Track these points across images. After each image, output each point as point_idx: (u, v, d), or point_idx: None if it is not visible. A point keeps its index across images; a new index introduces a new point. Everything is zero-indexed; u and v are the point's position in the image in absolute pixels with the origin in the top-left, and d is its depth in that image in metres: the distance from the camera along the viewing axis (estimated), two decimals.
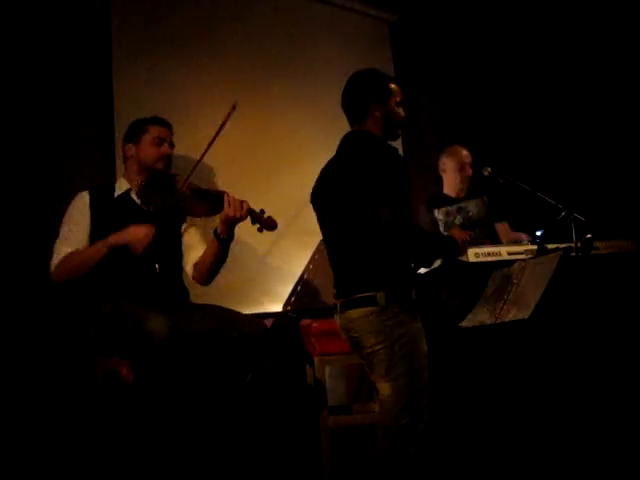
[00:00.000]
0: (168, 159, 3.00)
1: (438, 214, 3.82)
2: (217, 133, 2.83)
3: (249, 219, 2.81)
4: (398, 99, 2.64)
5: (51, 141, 3.37)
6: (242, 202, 2.78)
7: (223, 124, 2.83)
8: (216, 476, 2.82)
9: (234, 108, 2.84)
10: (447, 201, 3.86)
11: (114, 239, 2.73)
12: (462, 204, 3.85)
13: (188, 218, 3.03)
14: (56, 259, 2.77)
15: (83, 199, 2.89)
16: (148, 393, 2.50)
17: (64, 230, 2.84)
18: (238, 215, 2.76)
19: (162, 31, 3.78)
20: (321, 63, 4.33)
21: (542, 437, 3.02)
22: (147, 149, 2.96)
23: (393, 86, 2.64)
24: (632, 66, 4.18)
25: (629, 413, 3.07)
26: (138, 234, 2.72)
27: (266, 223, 2.84)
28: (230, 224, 2.80)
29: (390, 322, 2.39)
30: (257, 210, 2.83)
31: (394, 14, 4.76)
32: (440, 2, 4.72)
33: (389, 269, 2.43)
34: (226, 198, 2.77)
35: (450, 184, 3.91)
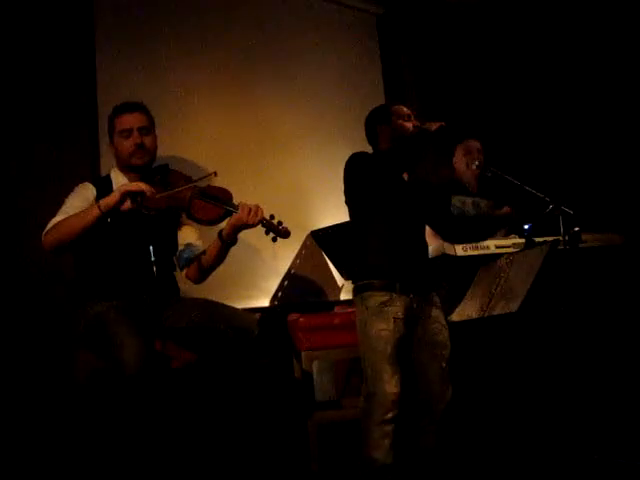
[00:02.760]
0: (141, 149, 2.82)
1: (455, 200, 3.81)
2: (189, 184, 2.77)
3: (262, 228, 2.73)
4: (403, 115, 2.92)
5: (33, 135, 3.32)
6: (258, 209, 2.70)
7: (199, 179, 2.80)
8: (203, 471, 2.81)
9: (215, 175, 2.78)
10: (463, 191, 3.85)
11: (106, 199, 2.58)
12: (476, 198, 3.85)
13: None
14: (49, 225, 2.64)
15: (90, 189, 2.78)
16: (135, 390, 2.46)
17: (66, 205, 2.71)
18: (251, 222, 2.70)
19: (147, 25, 3.77)
20: (308, 55, 4.33)
21: (531, 430, 3.03)
22: (119, 146, 2.82)
23: (395, 106, 2.97)
24: (619, 55, 4.18)
25: (618, 404, 3.07)
26: (139, 185, 2.60)
27: (281, 232, 2.75)
28: (239, 229, 2.75)
29: (356, 309, 2.76)
30: (268, 217, 2.74)
31: (381, 7, 4.75)
32: None
33: (360, 265, 2.79)
34: (241, 204, 2.70)
35: (461, 174, 3.89)
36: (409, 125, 2.88)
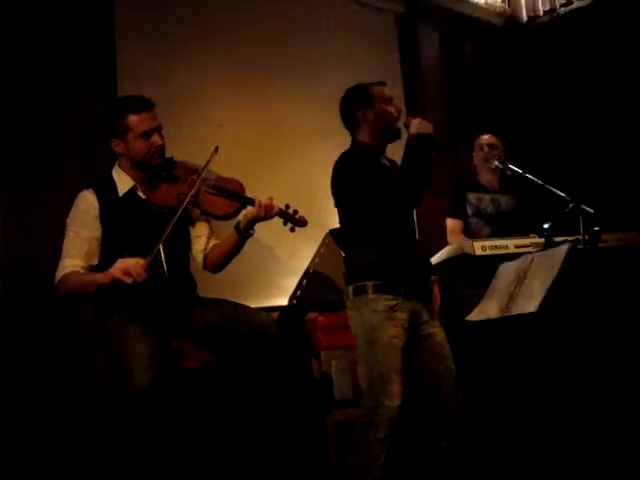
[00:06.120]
0: (162, 149, 2.74)
1: (470, 197, 3.79)
2: (202, 171, 2.73)
3: (280, 220, 2.73)
4: (385, 98, 2.76)
5: (51, 129, 3.35)
6: (272, 204, 2.68)
7: (205, 166, 2.73)
8: (221, 470, 2.82)
9: (216, 151, 2.73)
10: (481, 188, 3.82)
11: (101, 278, 2.54)
12: (495, 196, 3.82)
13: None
14: (60, 273, 2.62)
15: (90, 201, 2.68)
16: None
17: (70, 237, 2.65)
18: (269, 216, 2.69)
19: (164, 19, 3.80)
20: (327, 54, 4.34)
21: (548, 430, 3.01)
22: (136, 146, 2.69)
23: (376, 88, 2.78)
24: None
25: (636, 407, 3.04)
26: (124, 267, 2.48)
27: (298, 221, 2.75)
28: (256, 222, 2.72)
29: (352, 313, 2.68)
30: (283, 207, 2.73)
31: (401, 5, 4.74)
32: None
33: (358, 266, 2.70)
34: (257, 200, 2.68)
35: (479, 170, 3.87)
36: (393, 110, 2.76)
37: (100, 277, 2.55)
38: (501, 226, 3.70)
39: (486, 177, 3.84)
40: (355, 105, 2.77)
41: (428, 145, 2.63)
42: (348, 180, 2.69)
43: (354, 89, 2.82)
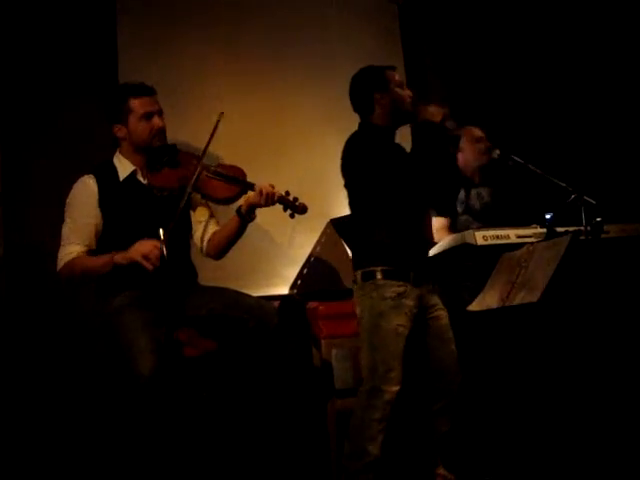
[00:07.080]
0: (163, 132, 2.79)
1: (460, 194, 3.74)
2: (208, 143, 2.77)
3: (280, 206, 2.76)
4: (399, 83, 2.80)
5: (52, 118, 3.36)
6: (273, 191, 2.71)
7: (212, 134, 2.77)
8: (221, 459, 2.83)
9: (222, 115, 2.79)
10: (467, 182, 3.79)
11: (119, 259, 2.58)
12: (478, 189, 3.80)
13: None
14: (63, 259, 2.66)
15: (89, 187, 2.72)
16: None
17: (70, 222, 2.70)
18: (268, 205, 2.72)
19: (167, 7, 3.80)
20: (330, 43, 4.32)
21: (549, 422, 3.01)
22: (137, 128, 2.74)
23: (390, 72, 2.81)
24: None
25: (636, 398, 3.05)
26: (144, 251, 2.54)
27: (298, 208, 2.77)
28: (256, 208, 2.76)
29: (360, 298, 2.69)
30: (283, 193, 2.75)
31: None
32: None
33: (367, 250, 2.71)
34: (257, 187, 2.72)
35: (468, 163, 3.82)
36: (406, 96, 2.78)
37: (118, 258, 2.60)
38: (484, 220, 3.66)
39: (471, 171, 3.80)
40: (371, 88, 2.78)
41: (438, 132, 2.67)
42: (361, 160, 2.72)
43: (368, 72, 2.84)
